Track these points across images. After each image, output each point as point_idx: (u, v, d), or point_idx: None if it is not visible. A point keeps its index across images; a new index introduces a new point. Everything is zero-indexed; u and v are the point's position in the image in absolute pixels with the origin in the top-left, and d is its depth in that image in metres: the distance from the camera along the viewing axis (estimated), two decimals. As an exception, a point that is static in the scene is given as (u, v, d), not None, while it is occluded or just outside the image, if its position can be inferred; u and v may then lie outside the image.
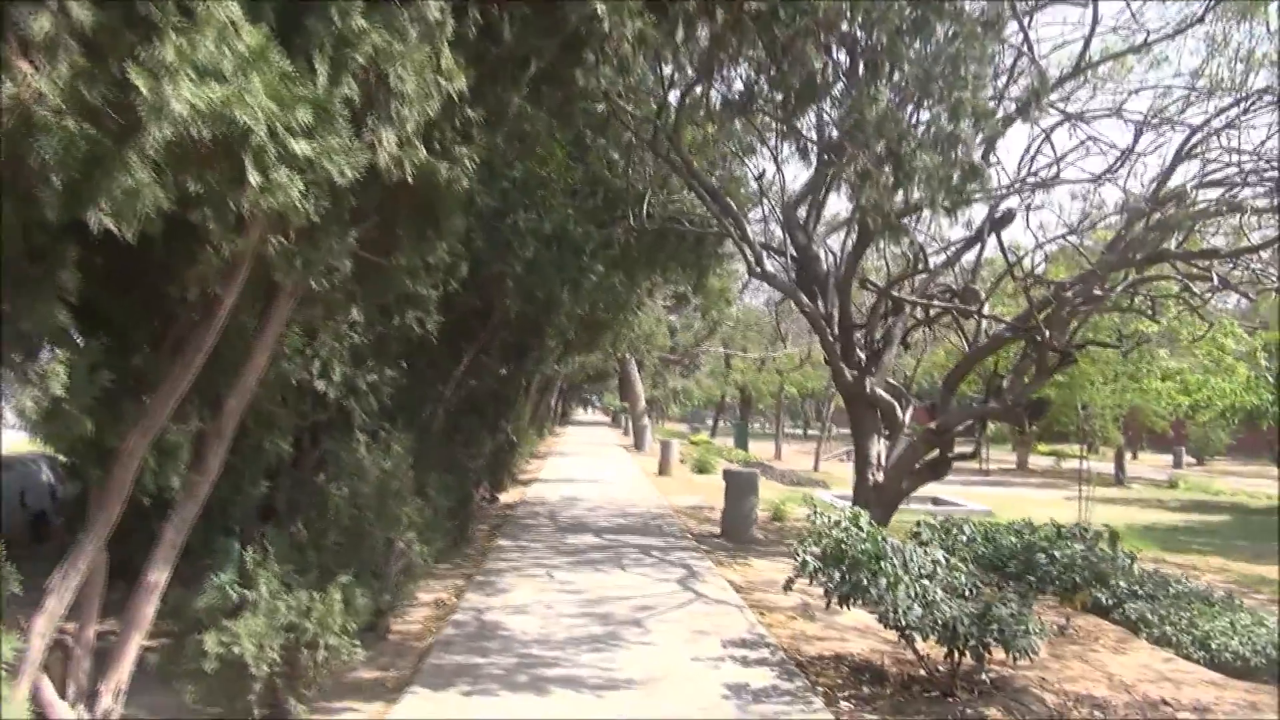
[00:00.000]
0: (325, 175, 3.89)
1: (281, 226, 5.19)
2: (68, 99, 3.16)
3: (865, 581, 6.53)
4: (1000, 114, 7.71)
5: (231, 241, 4.58)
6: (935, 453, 13.26)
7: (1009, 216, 13.83)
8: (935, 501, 21.34)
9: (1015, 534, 7.93)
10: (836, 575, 6.85)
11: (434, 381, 12.57)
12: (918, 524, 8.06)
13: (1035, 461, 38.28)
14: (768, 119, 12.93)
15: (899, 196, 8.24)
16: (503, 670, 7.05)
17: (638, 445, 38.59)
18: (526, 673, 7.01)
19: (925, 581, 6.42)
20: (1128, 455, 34.06)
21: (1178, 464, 40.23)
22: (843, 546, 6.68)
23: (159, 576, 5.54)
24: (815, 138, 12.07)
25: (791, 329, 33.19)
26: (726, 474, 15.06)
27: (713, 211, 13.49)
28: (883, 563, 6.50)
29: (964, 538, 7.48)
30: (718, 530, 14.76)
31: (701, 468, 27.29)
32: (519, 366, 17.18)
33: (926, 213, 11.12)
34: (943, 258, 15.17)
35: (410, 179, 5.22)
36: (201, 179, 3.60)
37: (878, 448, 13.41)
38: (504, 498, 19.01)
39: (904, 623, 6.41)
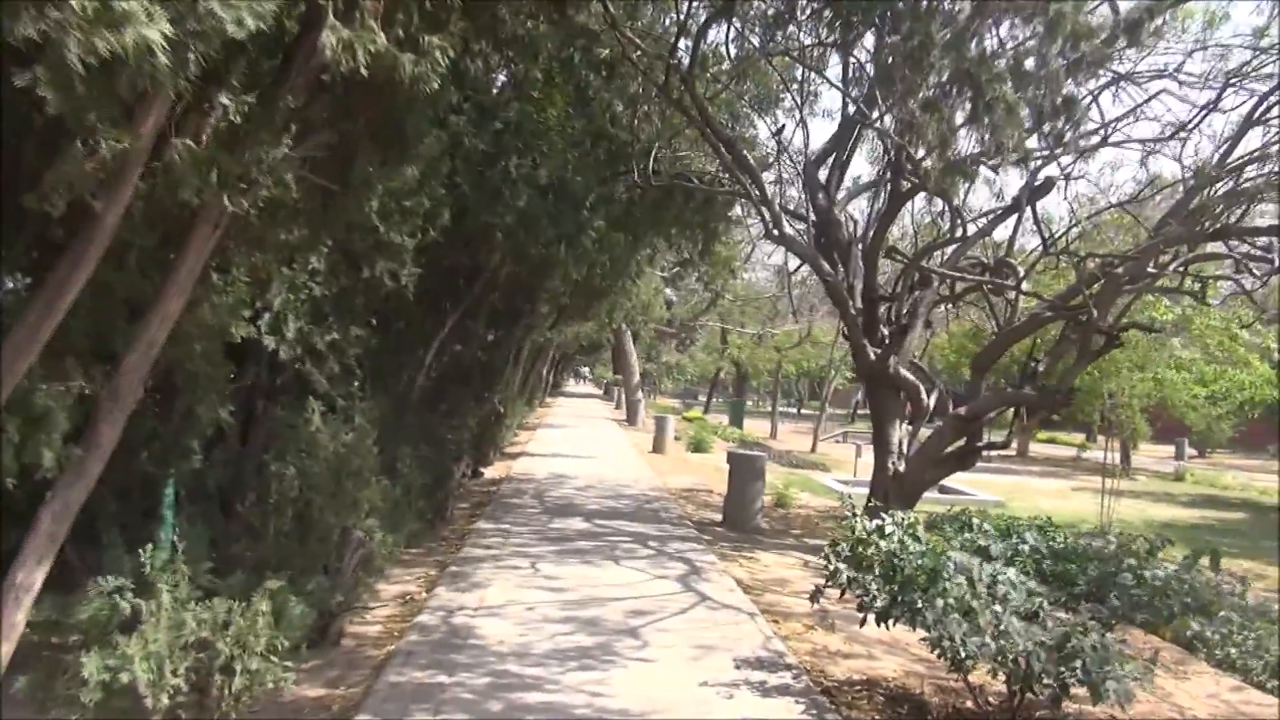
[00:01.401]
0: (214, 25, 2.62)
1: (191, 126, 3.99)
2: None
3: (920, 603, 5.34)
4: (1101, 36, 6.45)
5: (109, 135, 3.36)
6: (962, 441, 12.09)
7: (1048, 185, 12.73)
8: (942, 490, 20.18)
9: (1045, 536, 6.91)
10: (874, 588, 5.75)
11: (413, 346, 11.34)
12: (974, 525, 6.85)
13: (1035, 449, 37.25)
14: (792, 61, 11.66)
15: (970, 137, 6.98)
16: (472, 694, 5.79)
17: (630, 420, 37.53)
18: (500, 697, 5.75)
19: (997, 608, 5.21)
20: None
21: (1180, 455, 39.10)
22: (895, 561, 5.48)
23: (30, 576, 4.31)
24: (850, 78, 10.80)
25: (798, 304, 31.74)
26: (731, 456, 13.81)
27: (727, 166, 12.19)
28: (945, 583, 5.30)
29: (1026, 547, 6.29)
30: (719, 517, 13.57)
31: (697, 446, 26.09)
32: (508, 333, 16.00)
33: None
34: (972, 229, 13.91)
35: (365, 71, 4.00)
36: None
37: (899, 434, 12.22)
38: (489, 472, 17.83)
39: (963, 654, 5.24)
